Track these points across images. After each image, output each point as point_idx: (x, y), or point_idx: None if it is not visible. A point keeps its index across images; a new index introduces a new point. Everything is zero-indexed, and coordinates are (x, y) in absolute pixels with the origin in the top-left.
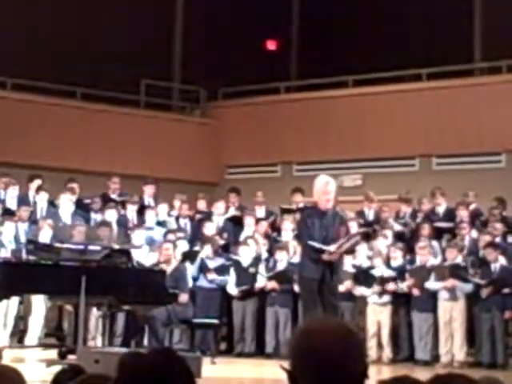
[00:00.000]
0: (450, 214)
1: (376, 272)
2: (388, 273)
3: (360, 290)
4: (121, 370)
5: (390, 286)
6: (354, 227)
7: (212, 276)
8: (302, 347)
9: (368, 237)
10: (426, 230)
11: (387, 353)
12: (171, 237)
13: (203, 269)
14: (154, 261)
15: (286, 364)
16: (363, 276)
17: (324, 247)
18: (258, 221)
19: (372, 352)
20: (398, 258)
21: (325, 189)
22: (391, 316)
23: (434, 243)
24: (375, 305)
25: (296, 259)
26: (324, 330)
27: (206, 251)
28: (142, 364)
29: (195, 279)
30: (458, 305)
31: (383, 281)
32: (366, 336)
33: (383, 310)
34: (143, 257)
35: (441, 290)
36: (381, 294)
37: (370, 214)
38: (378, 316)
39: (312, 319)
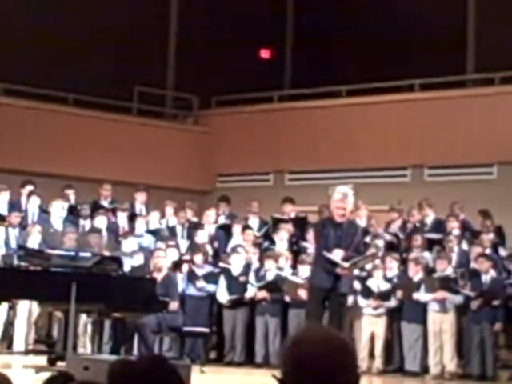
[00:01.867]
0: (438, 225)
1: (373, 284)
2: (385, 286)
3: (358, 301)
4: (111, 377)
5: (385, 304)
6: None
7: (201, 284)
8: (293, 356)
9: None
10: (418, 241)
11: (378, 364)
12: (162, 245)
13: (191, 277)
14: (139, 263)
15: (277, 373)
16: (361, 286)
17: (339, 262)
18: (244, 229)
19: (363, 363)
20: (393, 269)
21: (338, 204)
22: (386, 327)
23: (426, 254)
24: (370, 316)
25: (287, 268)
26: (316, 339)
27: (197, 259)
28: (133, 371)
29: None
30: (448, 317)
31: (380, 295)
32: (356, 346)
33: (378, 321)
34: (135, 262)
35: (431, 301)
36: (376, 308)
37: (362, 224)
38: (372, 327)
39: (303, 328)
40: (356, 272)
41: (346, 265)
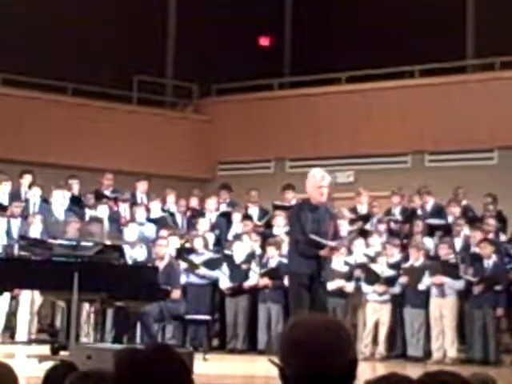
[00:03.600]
0: (439, 211)
1: (379, 271)
2: (389, 272)
3: (362, 288)
4: (118, 366)
5: (391, 290)
6: (344, 224)
7: (202, 271)
8: (290, 340)
9: (364, 233)
10: (419, 227)
11: (381, 350)
12: (164, 233)
13: (189, 266)
14: (143, 257)
15: (276, 359)
16: (366, 273)
17: (325, 242)
18: (244, 217)
19: (367, 349)
20: (394, 255)
21: (319, 183)
22: (390, 314)
23: (428, 240)
24: (375, 302)
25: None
26: (312, 323)
27: (197, 245)
28: (139, 360)
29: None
30: (447, 301)
31: (386, 281)
32: (357, 333)
33: (383, 307)
34: (136, 252)
35: (431, 286)
36: (382, 294)
37: (363, 210)
38: (377, 314)
39: (301, 314)
40: (358, 258)
41: (334, 243)
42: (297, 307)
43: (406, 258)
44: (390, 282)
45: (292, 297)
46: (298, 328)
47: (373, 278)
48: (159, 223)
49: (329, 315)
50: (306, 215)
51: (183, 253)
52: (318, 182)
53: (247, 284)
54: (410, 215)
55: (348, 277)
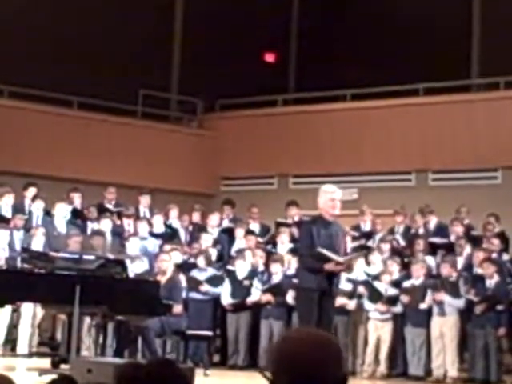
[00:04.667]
0: (442, 230)
1: (382, 290)
2: (392, 291)
3: (365, 305)
4: (119, 380)
5: (392, 309)
6: (347, 242)
7: (205, 288)
8: (280, 353)
9: (367, 250)
10: (420, 245)
11: (382, 368)
12: (167, 247)
13: (192, 283)
14: (143, 269)
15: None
16: (369, 291)
17: (334, 257)
18: (247, 233)
19: (369, 367)
20: (394, 273)
21: (332, 195)
22: (392, 332)
23: (429, 259)
24: (377, 320)
25: (291, 272)
26: (302, 338)
27: (199, 263)
28: (141, 374)
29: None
30: (448, 320)
31: (389, 300)
32: (356, 350)
33: (384, 325)
34: (137, 266)
35: (432, 305)
36: (384, 312)
37: (366, 228)
38: (378, 331)
39: (292, 329)
40: (359, 276)
41: (342, 259)
42: (305, 323)
43: (406, 277)
44: (392, 301)
45: (301, 313)
46: (288, 342)
47: (375, 296)
48: (164, 237)
49: (321, 331)
50: (319, 231)
51: (186, 269)
52: (330, 194)
53: (250, 300)
54: (412, 236)
55: (351, 294)
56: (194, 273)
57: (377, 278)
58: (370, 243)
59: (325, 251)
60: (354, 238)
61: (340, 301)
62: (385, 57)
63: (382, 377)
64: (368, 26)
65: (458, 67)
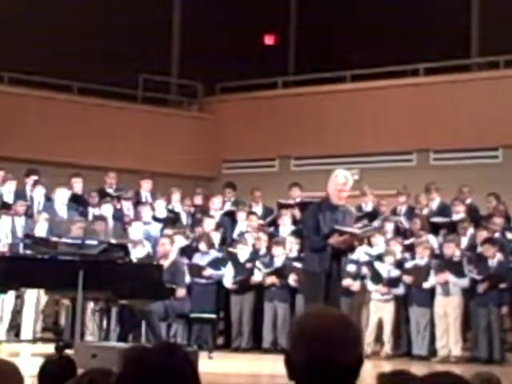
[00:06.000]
0: (444, 209)
1: (382, 270)
2: (394, 272)
3: (367, 286)
4: (125, 364)
5: (394, 290)
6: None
7: (208, 272)
8: (302, 328)
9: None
10: (417, 224)
11: (387, 349)
12: (168, 231)
13: (194, 270)
14: (145, 254)
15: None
16: (371, 271)
17: (350, 229)
18: (249, 214)
19: (370, 347)
20: (397, 253)
21: (341, 186)
22: (394, 313)
23: (432, 238)
24: (378, 301)
25: (293, 254)
26: (323, 315)
27: (201, 247)
28: (147, 358)
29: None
30: (452, 300)
31: (389, 282)
32: (363, 331)
33: (386, 306)
34: (138, 251)
35: (436, 284)
36: (385, 294)
37: (368, 208)
38: (380, 312)
39: (312, 307)
40: (358, 256)
41: (358, 231)
42: (310, 305)
43: (409, 257)
44: (394, 282)
45: (307, 295)
46: (311, 317)
47: (377, 277)
48: (167, 221)
49: (341, 310)
50: (325, 214)
51: (189, 253)
52: (339, 184)
53: (253, 280)
54: (416, 216)
55: (355, 275)
56: (196, 257)
57: (379, 258)
58: (374, 223)
59: (341, 227)
60: (358, 218)
61: (345, 282)
62: (384, 37)
63: (386, 357)
64: (367, 7)
65: (458, 47)
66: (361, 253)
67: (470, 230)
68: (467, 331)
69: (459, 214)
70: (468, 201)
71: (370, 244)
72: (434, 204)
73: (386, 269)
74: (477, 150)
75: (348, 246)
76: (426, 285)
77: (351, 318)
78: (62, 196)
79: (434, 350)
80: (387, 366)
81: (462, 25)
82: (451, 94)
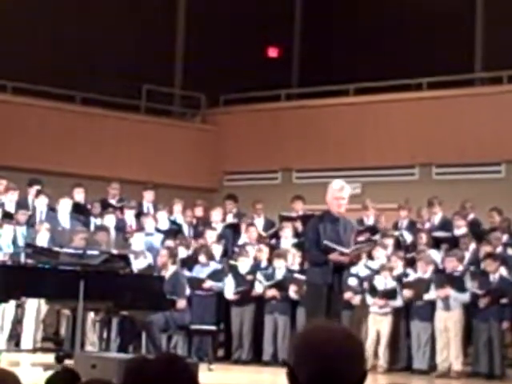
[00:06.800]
0: (446, 224)
1: (379, 284)
2: (391, 284)
3: (366, 300)
4: (126, 375)
5: (391, 303)
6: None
7: (208, 284)
8: (307, 342)
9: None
10: (423, 239)
11: (382, 362)
12: (170, 243)
13: (194, 283)
14: (145, 265)
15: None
16: (369, 285)
17: (339, 248)
18: (248, 226)
19: (369, 361)
20: (398, 268)
21: (338, 194)
22: (391, 326)
23: (434, 252)
24: (376, 314)
25: (295, 267)
26: (327, 329)
27: (201, 259)
28: (147, 370)
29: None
30: (452, 314)
31: (385, 294)
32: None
33: (383, 319)
34: (140, 262)
35: (436, 298)
36: (382, 307)
37: (370, 222)
38: (377, 325)
39: (316, 320)
40: (359, 270)
41: (347, 250)
42: (312, 318)
43: (410, 271)
44: (391, 294)
45: (308, 308)
46: (315, 331)
47: (374, 290)
48: (170, 233)
49: (344, 325)
50: (325, 226)
51: (189, 265)
52: (335, 192)
53: (254, 292)
54: (418, 230)
55: (356, 289)
56: (196, 269)
57: (378, 272)
58: (376, 237)
59: (329, 243)
60: (359, 232)
61: (346, 295)
62: (388, 51)
63: (384, 371)
64: (371, 21)
65: (462, 61)
66: (362, 267)
67: (472, 245)
68: (468, 346)
69: (461, 228)
70: (470, 216)
71: (371, 258)
72: (436, 218)
73: (383, 281)
74: (479, 164)
75: (349, 262)
76: (427, 296)
77: (355, 333)
78: (65, 206)
79: (434, 364)
80: (386, 381)
81: (466, 39)
82: (454, 109)
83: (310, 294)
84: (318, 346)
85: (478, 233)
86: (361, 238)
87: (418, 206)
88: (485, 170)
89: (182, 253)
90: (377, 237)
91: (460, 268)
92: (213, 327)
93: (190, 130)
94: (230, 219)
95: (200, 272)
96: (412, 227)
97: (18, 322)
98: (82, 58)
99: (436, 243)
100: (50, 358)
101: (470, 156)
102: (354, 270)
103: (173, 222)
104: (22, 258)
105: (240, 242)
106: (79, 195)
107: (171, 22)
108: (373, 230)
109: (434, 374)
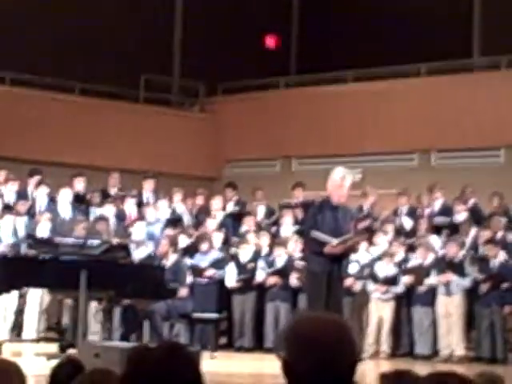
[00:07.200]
0: (446, 210)
1: (381, 270)
2: (392, 271)
3: (367, 286)
4: (129, 363)
5: (392, 289)
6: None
7: (209, 273)
8: (301, 335)
9: (371, 232)
10: (423, 225)
11: (385, 348)
12: (170, 231)
13: (196, 272)
14: (146, 254)
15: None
16: (370, 272)
17: (327, 239)
18: (249, 215)
19: (371, 347)
20: (400, 254)
21: (341, 183)
22: (393, 312)
23: (434, 238)
24: (378, 301)
25: (296, 254)
26: (322, 319)
27: (202, 247)
28: (150, 358)
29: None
30: (453, 300)
31: (386, 280)
32: (365, 331)
33: (385, 305)
34: (141, 251)
35: (438, 284)
36: (383, 293)
37: (369, 209)
38: (380, 312)
39: (303, 312)
40: (360, 257)
41: (335, 241)
42: (313, 305)
43: (411, 257)
44: (392, 281)
45: (309, 295)
46: (306, 321)
47: (375, 276)
48: (171, 222)
49: (333, 314)
50: (325, 214)
51: (190, 253)
52: (338, 181)
53: (255, 280)
54: (419, 217)
55: (357, 276)
56: (197, 257)
57: (379, 259)
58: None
59: (318, 234)
60: (359, 219)
61: (347, 282)
62: (386, 38)
63: (387, 357)
64: (369, 7)
65: (460, 47)
66: (363, 253)
67: (473, 231)
68: (470, 331)
69: (461, 213)
70: (471, 201)
71: (372, 244)
72: (437, 204)
73: (384, 268)
74: (479, 149)
75: (342, 253)
76: (428, 281)
77: (345, 320)
78: (65, 196)
79: (436, 349)
80: (389, 366)
81: (464, 25)
82: (453, 95)
83: (310, 281)
84: (312, 335)
85: (478, 218)
86: (361, 225)
87: (417, 193)
88: (484, 155)
89: (183, 241)
90: (377, 224)
91: (461, 253)
92: (215, 315)
93: (188, 119)
94: (231, 207)
95: (201, 260)
96: (412, 213)
97: (20, 312)
98: (81, 48)
99: (436, 229)
100: (52, 347)
101: (470, 142)
102: (354, 256)
103: (173, 211)
104: (23, 249)
105: (242, 230)
106: (80, 185)
107: (169, 11)
108: (371, 216)
109: (436, 359)
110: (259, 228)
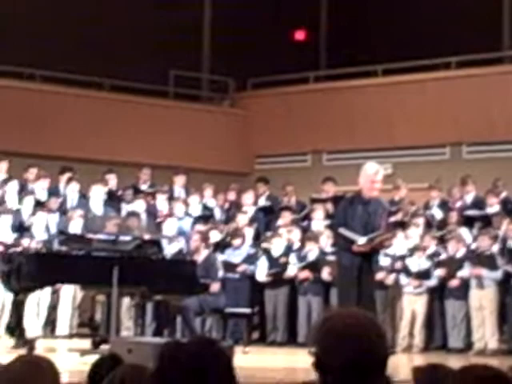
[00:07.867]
0: (478, 203)
1: (413, 264)
2: (425, 265)
3: (400, 280)
4: (161, 359)
5: (426, 283)
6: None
7: (242, 268)
8: (334, 331)
9: (403, 225)
10: (453, 217)
11: (418, 342)
12: (200, 227)
13: (228, 267)
14: (177, 249)
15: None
16: (403, 265)
17: (354, 237)
18: (282, 210)
19: (404, 341)
20: (431, 247)
21: (373, 178)
22: (426, 305)
23: (464, 231)
24: (411, 294)
25: (328, 248)
26: (352, 315)
27: (235, 243)
28: (183, 353)
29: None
30: (486, 293)
31: (419, 274)
32: (397, 325)
33: (418, 299)
34: (174, 246)
35: (470, 277)
36: (417, 286)
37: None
38: (413, 305)
39: (333, 308)
40: (392, 250)
41: (361, 241)
42: (344, 299)
43: (442, 250)
44: (425, 274)
45: (340, 289)
46: (339, 319)
47: (408, 270)
48: (203, 218)
49: (361, 310)
50: (356, 209)
51: (222, 248)
52: (371, 176)
53: (287, 275)
54: (449, 209)
55: (390, 269)
56: (229, 253)
57: (412, 252)
58: (406, 218)
59: (344, 231)
60: (390, 213)
61: (378, 276)
62: (416, 31)
63: (418, 350)
64: (399, 1)
65: (490, 39)
66: (395, 247)
67: (505, 223)
68: (503, 324)
69: (493, 206)
70: (503, 194)
71: (404, 237)
72: (469, 197)
73: (417, 261)
74: (510, 142)
75: (370, 251)
76: (460, 273)
77: (374, 318)
78: (98, 193)
79: (469, 342)
80: (422, 360)
81: (494, 18)
82: (483, 87)
83: (341, 275)
84: (343, 331)
85: (510, 211)
86: (392, 219)
87: (448, 185)
88: None
89: (214, 236)
90: (408, 217)
91: (494, 247)
92: (247, 310)
93: (219, 115)
94: (262, 202)
95: (232, 255)
96: (443, 206)
97: (53, 308)
98: (110, 44)
99: (469, 222)
100: (86, 343)
101: (501, 134)
102: (390, 250)
103: (204, 207)
104: (56, 245)
105: (277, 223)
106: (112, 181)
107: (198, 6)
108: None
109: (469, 353)
110: (291, 223)
